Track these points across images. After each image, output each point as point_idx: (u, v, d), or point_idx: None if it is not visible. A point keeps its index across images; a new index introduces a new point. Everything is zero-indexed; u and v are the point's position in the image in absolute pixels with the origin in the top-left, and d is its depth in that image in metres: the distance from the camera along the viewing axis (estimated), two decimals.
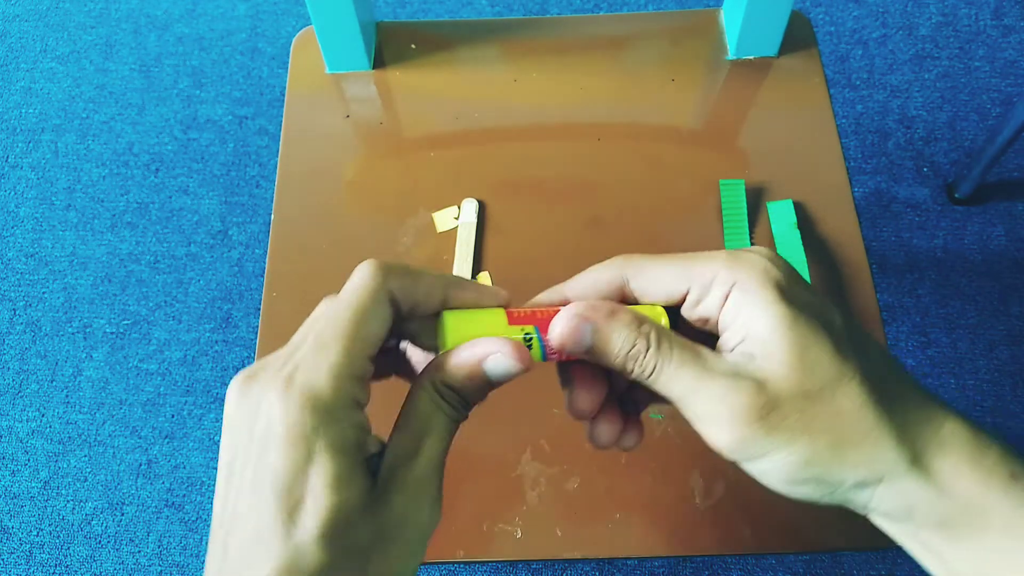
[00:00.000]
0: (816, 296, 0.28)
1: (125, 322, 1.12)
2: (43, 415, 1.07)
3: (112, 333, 1.11)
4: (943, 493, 0.26)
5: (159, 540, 1.00)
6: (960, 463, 0.26)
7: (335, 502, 0.24)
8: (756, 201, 0.53)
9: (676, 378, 0.27)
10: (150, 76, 1.30)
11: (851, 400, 0.26)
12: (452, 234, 0.52)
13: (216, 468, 1.03)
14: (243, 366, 1.07)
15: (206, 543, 1.00)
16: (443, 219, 0.52)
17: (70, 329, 1.12)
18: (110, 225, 1.18)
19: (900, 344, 1.05)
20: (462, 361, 0.28)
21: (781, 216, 0.52)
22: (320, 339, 0.26)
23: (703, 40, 0.59)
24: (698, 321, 0.29)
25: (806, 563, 0.96)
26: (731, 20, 0.58)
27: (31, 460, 1.05)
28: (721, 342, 0.28)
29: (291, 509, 0.23)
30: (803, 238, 0.51)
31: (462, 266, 0.50)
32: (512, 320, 0.29)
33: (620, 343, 0.27)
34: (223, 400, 1.16)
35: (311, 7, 0.53)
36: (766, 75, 0.58)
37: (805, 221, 0.52)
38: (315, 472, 0.24)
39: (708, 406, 0.26)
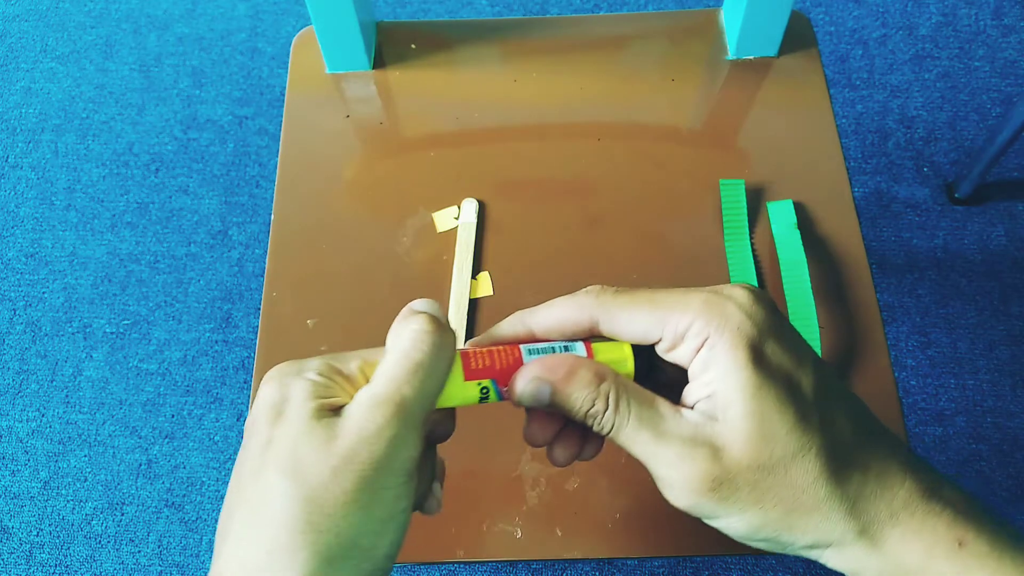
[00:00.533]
0: (794, 350, 0.28)
1: (125, 322, 1.12)
2: (43, 415, 1.07)
3: (112, 333, 1.11)
4: (888, 561, 0.27)
5: (159, 540, 1.00)
6: (907, 533, 0.27)
7: (288, 433, 0.26)
8: (756, 201, 0.53)
9: (634, 439, 0.28)
10: (150, 76, 1.30)
11: (805, 474, 0.27)
12: (452, 234, 0.52)
13: (215, 467, 1.03)
14: (243, 366, 1.07)
15: (206, 543, 1.00)
16: (443, 219, 0.52)
17: (70, 329, 1.12)
18: (110, 225, 1.18)
19: (900, 344, 1.05)
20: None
21: (781, 216, 0.52)
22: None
23: (703, 40, 0.59)
24: (670, 365, 0.29)
25: (806, 563, 0.96)
26: (731, 20, 0.58)
27: (31, 460, 1.05)
28: (686, 392, 0.29)
29: (256, 437, 0.26)
30: (803, 238, 0.51)
31: (462, 266, 0.50)
32: (468, 375, 0.29)
33: (579, 403, 0.28)
34: (223, 400, 1.17)
35: (311, 7, 0.53)
36: (766, 75, 0.58)
37: (805, 221, 0.52)
38: (275, 416, 0.26)
39: (664, 471, 0.27)
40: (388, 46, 0.60)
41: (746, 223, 0.52)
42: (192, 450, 1.04)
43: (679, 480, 0.27)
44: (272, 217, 0.53)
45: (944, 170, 1.17)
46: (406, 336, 0.28)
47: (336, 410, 0.27)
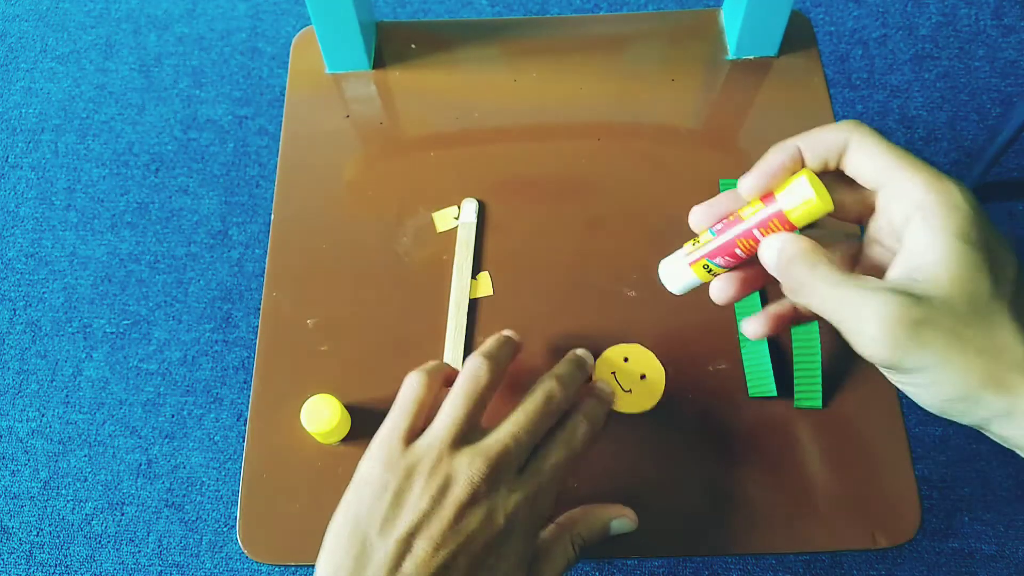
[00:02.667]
0: (998, 247, 0.29)
1: (125, 322, 1.12)
2: (43, 415, 1.07)
3: (112, 333, 1.11)
4: None
5: (159, 540, 1.00)
6: None
7: None
8: None
9: (830, 295, 0.30)
10: (150, 76, 1.30)
11: (1009, 332, 0.28)
12: (452, 234, 0.52)
13: (215, 467, 1.03)
14: (243, 366, 1.07)
15: (206, 543, 1.00)
16: (443, 219, 0.52)
17: (70, 329, 1.12)
18: (110, 225, 1.18)
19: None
20: (595, 521, 0.39)
21: None
22: None
23: (703, 40, 0.59)
24: (878, 231, 0.33)
25: (806, 563, 0.96)
26: (731, 20, 0.58)
27: (31, 460, 1.05)
28: (894, 260, 0.31)
29: None
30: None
31: (462, 266, 0.50)
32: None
33: (779, 260, 0.32)
34: (223, 400, 1.16)
35: (311, 7, 0.53)
36: (766, 75, 0.58)
37: None
38: None
39: (861, 317, 0.29)
40: (388, 46, 0.60)
41: None
42: (192, 450, 1.04)
43: (876, 323, 0.28)
44: (272, 217, 0.53)
45: (944, 170, 1.17)
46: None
47: None
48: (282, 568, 0.73)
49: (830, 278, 0.30)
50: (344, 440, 0.46)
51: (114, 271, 1.15)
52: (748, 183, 0.34)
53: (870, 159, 0.31)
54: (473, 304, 0.49)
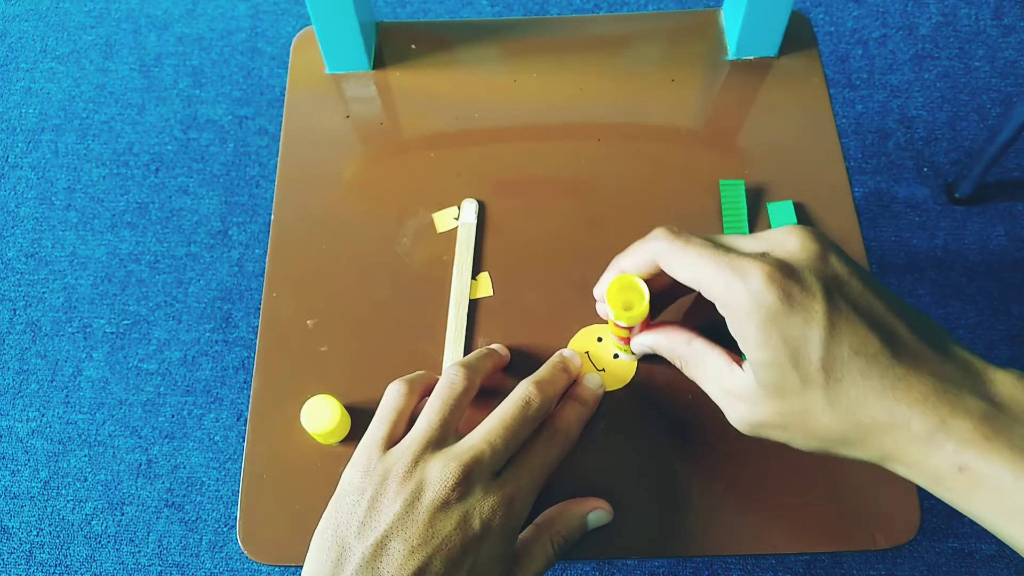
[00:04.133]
0: (801, 310, 0.31)
1: (125, 322, 1.12)
2: (43, 415, 1.07)
3: (112, 333, 1.11)
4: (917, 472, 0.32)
5: (159, 540, 1.00)
6: (915, 461, 0.31)
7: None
8: (756, 201, 0.53)
9: (707, 388, 0.38)
10: (150, 76, 1.30)
11: (820, 421, 0.32)
12: (452, 234, 0.52)
13: (215, 467, 1.03)
14: (243, 366, 1.07)
15: (206, 543, 1.00)
16: (443, 219, 0.52)
17: (70, 329, 1.12)
18: (110, 225, 1.18)
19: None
20: (572, 518, 0.40)
21: (781, 217, 0.52)
22: None
23: (703, 40, 0.59)
24: None
25: (806, 563, 0.96)
26: (731, 20, 0.58)
27: (31, 460, 1.05)
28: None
29: None
30: None
31: (462, 266, 0.50)
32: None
33: (667, 352, 0.41)
34: (223, 400, 1.16)
35: (311, 7, 0.53)
36: (766, 75, 0.58)
37: (805, 221, 0.52)
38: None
39: (723, 409, 0.37)
40: (388, 46, 0.60)
41: (746, 223, 0.52)
42: (192, 450, 1.04)
43: (732, 418, 0.36)
44: (272, 217, 0.53)
45: (944, 170, 1.17)
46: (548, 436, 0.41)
47: None
48: (282, 568, 0.73)
49: (703, 367, 0.38)
50: (344, 440, 0.46)
51: (114, 271, 1.15)
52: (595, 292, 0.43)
53: (680, 270, 0.35)
54: (473, 304, 0.49)
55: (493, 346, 0.45)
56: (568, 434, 0.41)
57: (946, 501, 0.31)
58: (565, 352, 0.45)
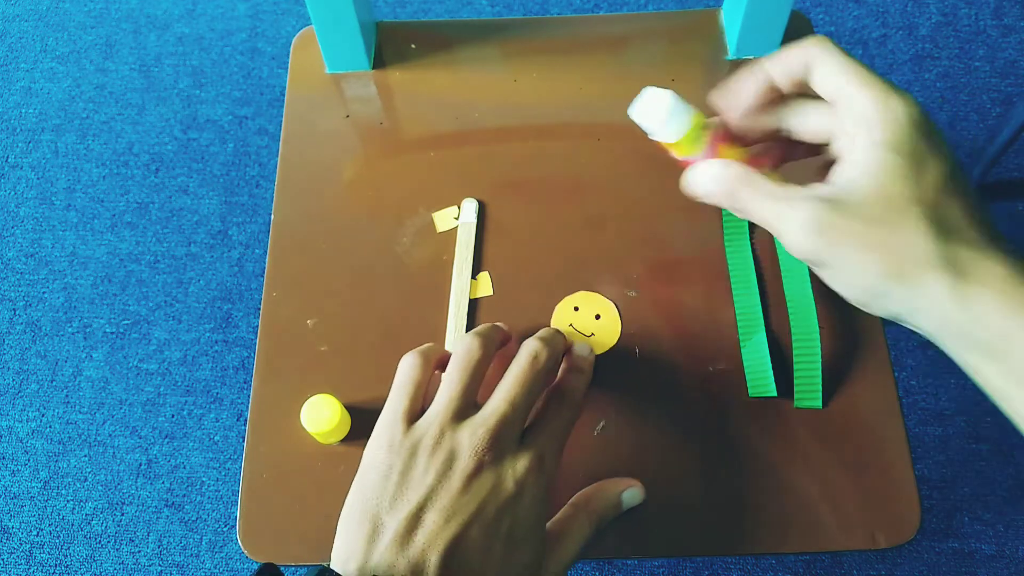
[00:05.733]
0: (928, 155, 0.32)
1: (125, 322, 1.12)
2: (43, 415, 1.07)
3: (112, 333, 1.11)
4: (972, 318, 0.31)
5: (159, 540, 1.00)
6: (993, 297, 0.30)
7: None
8: None
9: (761, 206, 0.35)
10: (150, 76, 1.30)
11: (913, 231, 0.31)
12: (452, 234, 0.52)
13: (215, 467, 1.03)
14: (243, 366, 1.07)
15: (206, 543, 1.00)
16: (443, 219, 0.53)
17: (70, 329, 1.12)
18: (110, 225, 1.18)
19: (900, 344, 1.05)
20: (607, 497, 0.41)
21: None
22: None
23: (703, 40, 0.59)
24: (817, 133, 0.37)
25: (806, 563, 0.96)
26: (731, 20, 0.58)
27: (31, 460, 1.05)
28: (834, 169, 0.35)
29: None
30: None
31: (462, 266, 0.50)
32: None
33: (719, 187, 0.37)
34: (223, 400, 1.16)
35: (311, 7, 0.53)
36: None
37: None
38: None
39: (786, 223, 0.34)
40: (388, 46, 0.60)
41: (746, 223, 0.52)
42: (192, 450, 1.05)
43: (796, 227, 0.33)
44: (272, 217, 0.53)
45: None
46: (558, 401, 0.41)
47: None
48: (282, 568, 0.72)
49: (764, 190, 0.35)
50: (344, 440, 0.46)
51: (114, 271, 1.15)
52: (721, 102, 0.39)
53: (831, 76, 0.34)
54: (473, 304, 0.49)
55: (497, 324, 0.44)
56: (574, 399, 0.41)
57: (986, 354, 0.32)
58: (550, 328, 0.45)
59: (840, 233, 0.32)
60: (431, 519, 0.33)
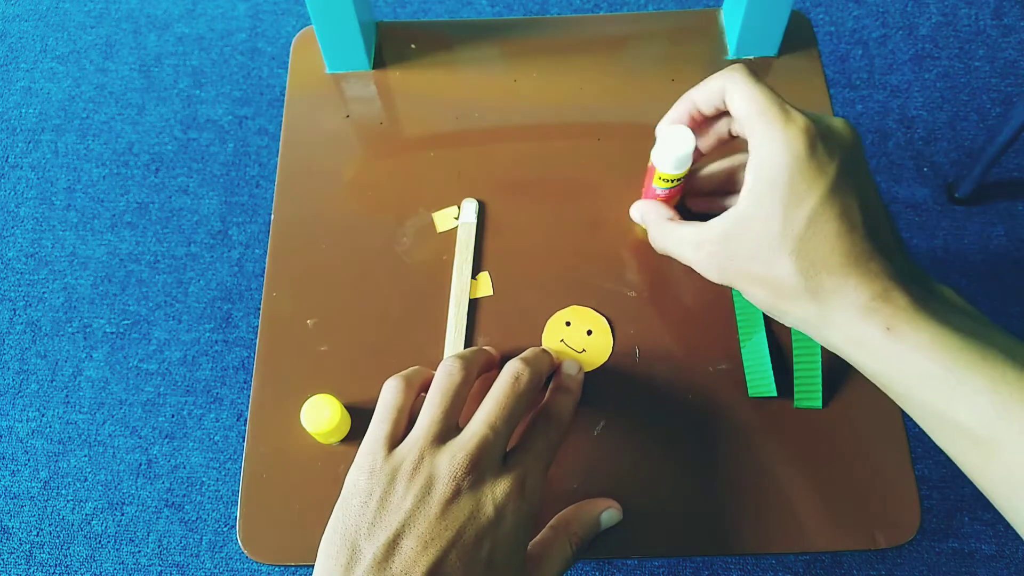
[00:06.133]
0: (808, 187, 0.35)
1: (125, 322, 1.12)
2: (43, 415, 1.07)
3: (112, 333, 1.11)
4: (835, 331, 0.36)
5: (159, 540, 1.00)
6: (849, 311, 0.35)
7: None
8: None
9: (671, 248, 0.43)
10: (150, 76, 1.30)
11: (785, 265, 0.36)
12: (452, 234, 0.52)
13: (215, 467, 1.03)
14: (243, 366, 1.07)
15: (206, 543, 1.00)
16: (443, 219, 0.53)
17: (70, 329, 1.12)
18: (110, 225, 1.18)
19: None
20: (587, 518, 0.41)
21: None
22: None
23: (703, 40, 0.59)
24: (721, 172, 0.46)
25: (806, 563, 0.96)
26: (731, 20, 0.58)
27: (31, 460, 1.05)
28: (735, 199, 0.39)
29: None
30: None
31: (462, 266, 0.50)
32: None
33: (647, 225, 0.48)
34: (223, 400, 1.16)
35: (311, 7, 0.53)
36: (766, 75, 0.58)
37: None
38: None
39: (692, 261, 0.41)
40: (388, 46, 0.60)
41: None
42: (192, 450, 1.05)
43: (698, 264, 0.41)
44: (272, 217, 0.53)
45: (944, 170, 1.17)
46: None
47: None
48: (282, 568, 0.73)
49: (672, 234, 0.42)
50: (344, 440, 0.46)
51: (114, 271, 1.15)
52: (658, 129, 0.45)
53: (740, 103, 0.38)
54: (473, 304, 0.49)
55: (485, 348, 0.45)
56: (560, 419, 0.40)
57: (857, 364, 0.36)
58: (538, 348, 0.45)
59: (732, 272, 0.38)
60: (408, 545, 0.33)
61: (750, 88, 0.38)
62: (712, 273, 0.40)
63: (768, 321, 0.48)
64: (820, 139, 0.35)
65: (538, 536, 0.39)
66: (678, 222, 0.43)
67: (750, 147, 0.37)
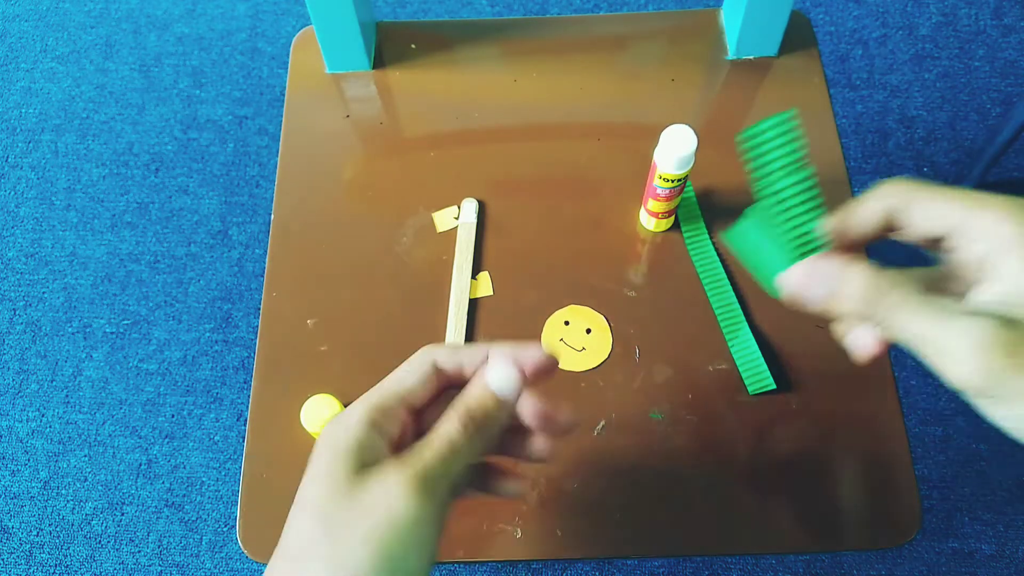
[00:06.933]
0: None
1: (125, 322, 1.12)
2: (43, 415, 1.07)
3: (112, 333, 1.11)
4: None
5: (159, 540, 1.00)
6: None
7: (320, 480, 0.29)
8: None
9: (913, 317, 0.28)
10: (150, 76, 1.30)
11: None
12: (452, 234, 0.52)
13: (215, 467, 1.03)
14: (243, 366, 1.07)
15: (206, 543, 1.00)
16: (443, 219, 0.52)
17: (70, 329, 1.12)
18: (110, 225, 1.18)
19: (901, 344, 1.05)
20: (472, 387, 0.32)
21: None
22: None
23: (703, 40, 0.59)
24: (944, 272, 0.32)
25: (806, 563, 0.96)
26: (731, 20, 0.58)
27: (31, 460, 1.05)
28: (979, 288, 0.29)
29: (304, 482, 0.30)
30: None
31: (462, 266, 0.50)
32: None
33: (859, 287, 0.30)
34: (223, 400, 1.16)
35: (311, 7, 0.53)
36: (766, 75, 0.58)
37: None
38: (317, 463, 0.30)
39: (951, 341, 0.26)
40: (388, 46, 0.60)
41: (703, 224, 0.52)
42: (192, 450, 1.04)
43: (968, 346, 0.26)
44: (272, 217, 0.53)
45: (944, 170, 1.17)
46: (456, 422, 0.31)
47: (370, 469, 0.30)
48: None
49: (916, 301, 0.28)
50: None
51: (114, 271, 1.15)
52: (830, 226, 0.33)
53: (928, 217, 0.30)
54: (473, 303, 0.49)
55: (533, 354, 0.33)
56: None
57: None
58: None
59: (1012, 373, 0.26)
60: None
61: (929, 199, 0.30)
62: (986, 361, 0.26)
63: (751, 316, 0.48)
64: None
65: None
66: (916, 285, 0.29)
67: (992, 238, 0.28)
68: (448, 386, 0.34)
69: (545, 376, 0.33)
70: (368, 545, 0.28)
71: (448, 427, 0.31)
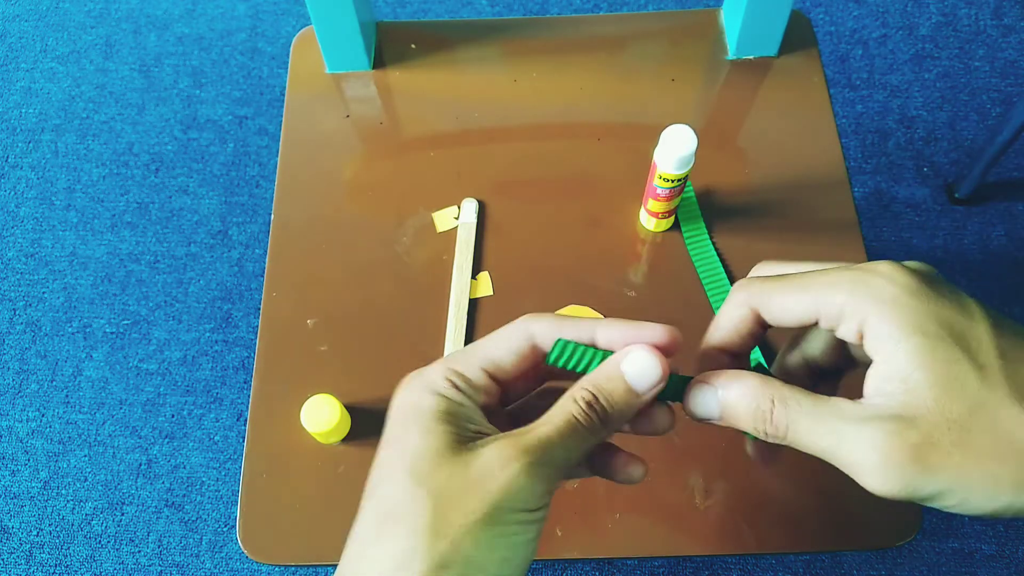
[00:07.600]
0: (952, 302, 0.27)
1: (125, 322, 1.12)
2: (43, 415, 1.07)
3: (112, 333, 1.11)
4: None
5: (159, 540, 1.00)
6: None
7: (417, 444, 0.27)
8: (747, 201, 0.53)
9: (812, 431, 0.27)
10: (150, 76, 1.30)
11: (1013, 418, 0.24)
12: (452, 234, 0.52)
13: (215, 467, 1.03)
14: (243, 366, 1.07)
15: (206, 543, 1.00)
16: (443, 219, 0.52)
17: (70, 329, 1.12)
18: (110, 225, 1.18)
19: None
20: (604, 368, 0.29)
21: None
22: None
23: (703, 40, 0.59)
24: (831, 353, 0.31)
25: (806, 563, 0.96)
26: (731, 20, 0.58)
27: (31, 460, 1.05)
28: (867, 376, 0.27)
29: (392, 446, 0.28)
30: (802, 237, 0.51)
31: (462, 266, 0.50)
32: None
33: (747, 410, 0.28)
34: (223, 400, 1.16)
35: (311, 7, 0.53)
36: (766, 75, 0.58)
37: (805, 221, 0.52)
38: (409, 426, 0.28)
39: (857, 455, 0.25)
40: (388, 46, 0.60)
41: (702, 223, 0.52)
42: (192, 450, 1.04)
43: (877, 460, 0.25)
44: (272, 217, 0.53)
45: (944, 170, 1.17)
46: (582, 404, 0.28)
47: (471, 438, 0.27)
48: (282, 568, 0.73)
49: (806, 417, 0.27)
50: (344, 440, 0.46)
51: (114, 271, 1.15)
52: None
53: (788, 306, 0.29)
54: (473, 304, 0.49)
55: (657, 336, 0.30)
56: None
57: None
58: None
59: (936, 454, 0.24)
60: None
61: (784, 285, 0.29)
62: (899, 467, 0.25)
63: None
64: (914, 269, 0.27)
65: None
66: (826, 397, 0.27)
67: (845, 330, 0.27)
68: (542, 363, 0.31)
69: (668, 357, 0.29)
70: (476, 519, 0.26)
71: (572, 409, 0.28)
